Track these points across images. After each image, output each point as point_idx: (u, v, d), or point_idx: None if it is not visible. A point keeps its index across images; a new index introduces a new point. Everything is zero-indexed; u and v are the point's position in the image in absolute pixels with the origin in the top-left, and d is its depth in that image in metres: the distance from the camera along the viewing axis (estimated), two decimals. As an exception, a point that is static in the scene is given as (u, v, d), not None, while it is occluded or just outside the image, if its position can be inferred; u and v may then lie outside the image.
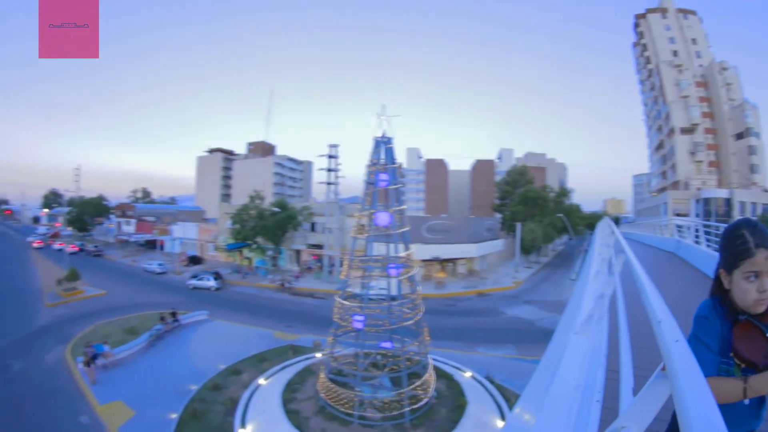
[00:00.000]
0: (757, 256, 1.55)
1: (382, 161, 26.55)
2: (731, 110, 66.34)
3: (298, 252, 58.30)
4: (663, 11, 76.32)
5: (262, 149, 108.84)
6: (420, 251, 38.98)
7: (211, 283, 44.99)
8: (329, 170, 51.24)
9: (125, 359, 23.71)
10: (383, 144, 27.17)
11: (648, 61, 78.01)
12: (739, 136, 64.43)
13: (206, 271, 49.62)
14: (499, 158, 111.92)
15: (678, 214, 55.07)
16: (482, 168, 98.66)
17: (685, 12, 76.44)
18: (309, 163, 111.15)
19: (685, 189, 64.79)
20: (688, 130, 67.81)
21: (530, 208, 60.75)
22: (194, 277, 46.89)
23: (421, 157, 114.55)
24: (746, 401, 1.46)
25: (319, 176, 53.73)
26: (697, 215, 56.74)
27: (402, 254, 20.69)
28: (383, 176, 26.15)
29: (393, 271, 20.34)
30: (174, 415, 17.42)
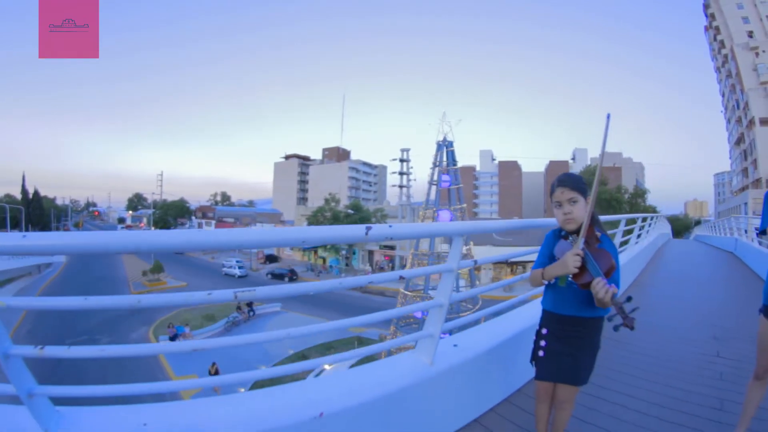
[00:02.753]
0: (555, 192, 2.35)
1: (444, 163, 27.22)
2: None
3: (371, 252, 59.71)
4: None
5: (337, 154, 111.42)
6: (490, 253, 39.05)
7: (236, 270, 50.98)
8: (401, 174, 52.17)
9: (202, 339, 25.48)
10: (444, 147, 27.87)
11: (722, 45, 68.02)
12: None
13: (282, 268, 52.76)
14: (573, 159, 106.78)
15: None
16: (556, 169, 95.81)
17: None
18: (383, 167, 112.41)
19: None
20: None
21: (604, 209, 59.01)
22: (238, 267, 52.11)
23: (494, 159, 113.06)
24: (571, 289, 2.29)
25: (392, 179, 54.79)
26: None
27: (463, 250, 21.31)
28: (445, 177, 26.72)
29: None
30: (242, 389, 18.91)
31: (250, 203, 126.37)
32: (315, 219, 55.47)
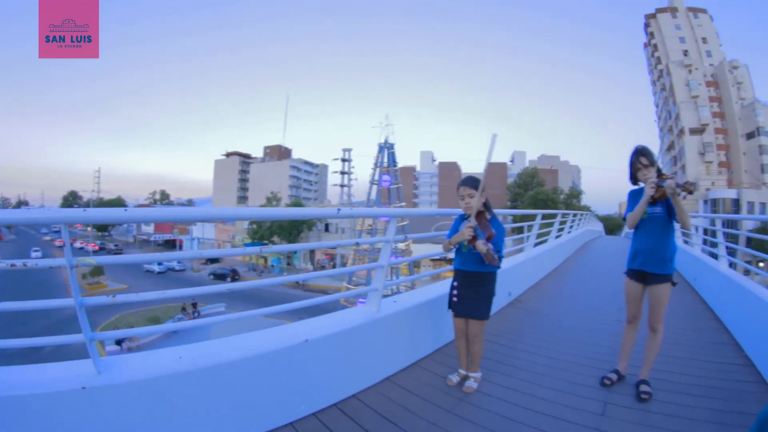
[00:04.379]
0: (459, 189, 3.47)
1: (385, 164, 28.22)
2: (742, 109, 64.26)
3: (312, 251, 59.89)
4: (673, 11, 73.99)
5: (279, 153, 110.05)
6: (430, 250, 40.38)
7: (155, 267, 53.04)
8: (343, 173, 52.84)
9: (148, 344, 25.45)
10: (386, 149, 28.90)
11: (659, 61, 75.81)
12: (750, 135, 62.01)
13: (224, 268, 52.45)
14: (512, 161, 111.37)
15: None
16: (495, 170, 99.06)
17: (695, 11, 73.98)
18: (324, 166, 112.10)
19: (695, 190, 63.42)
20: (698, 131, 65.71)
21: (540, 208, 61.33)
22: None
23: (434, 161, 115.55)
24: (465, 251, 3.47)
25: (333, 179, 55.25)
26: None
27: (401, 246, 22.21)
28: (386, 177, 27.70)
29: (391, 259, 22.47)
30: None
31: (189, 202, 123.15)
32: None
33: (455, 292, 3.54)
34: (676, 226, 3.72)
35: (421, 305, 4.15)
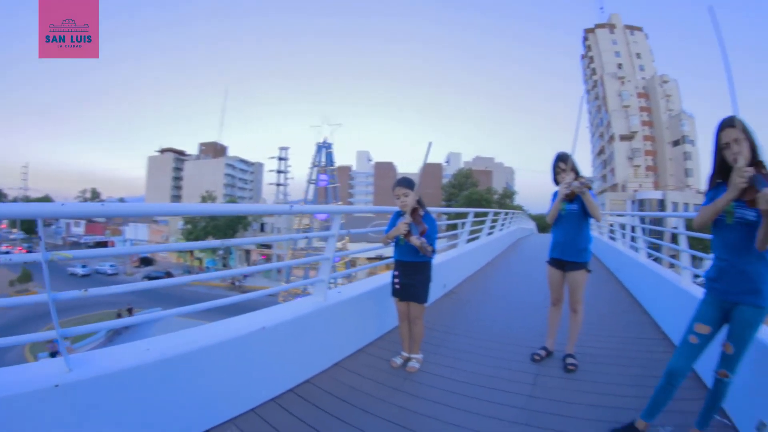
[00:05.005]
0: (395, 189, 3.84)
1: (323, 163, 28.34)
2: (669, 119, 70.51)
3: (247, 251, 59.15)
4: (611, 27, 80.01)
5: (214, 150, 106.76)
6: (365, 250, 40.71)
7: (79, 270, 50.79)
8: (279, 172, 52.29)
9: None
10: (324, 148, 29.02)
11: (594, 72, 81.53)
12: (676, 143, 68.34)
13: (158, 271, 50.71)
14: (447, 162, 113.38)
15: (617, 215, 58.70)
16: (430, 171, 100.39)
17: (632, 28, 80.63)
18: (260, 165, 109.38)
19: (623, 191, 68.79)
20: (628, 137, 71.84)
21: (474, 208, 62.61)
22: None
23: (370, 160, 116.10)
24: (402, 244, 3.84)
25: (269, 178, 54.57)
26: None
27: (338, 245, 22.51)
28: (323, 177, 27.82)
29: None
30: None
31: (121, 201, 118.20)
32: (191, 218, 54.11)
33: (397, 280, 3.97)
34: (595, 221, 4.25)
35: (364, 295, 4.50)
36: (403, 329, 4.05)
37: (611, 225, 12.14)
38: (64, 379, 2.21)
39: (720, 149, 2.51)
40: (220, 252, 57.00)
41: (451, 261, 7.79)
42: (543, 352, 4.25)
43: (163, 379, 2.59)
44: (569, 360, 4.01)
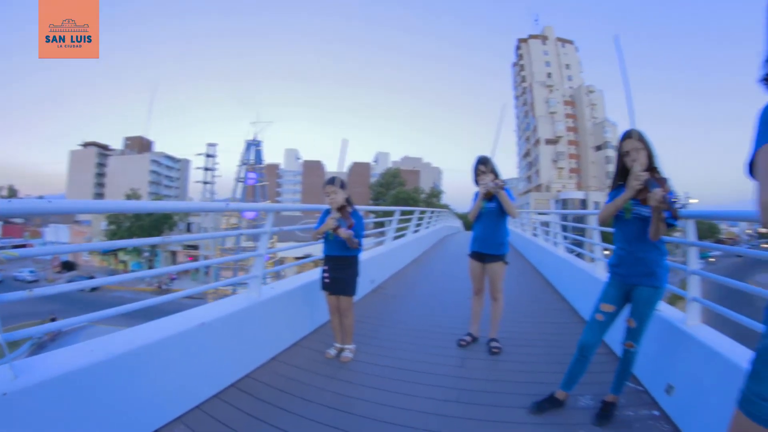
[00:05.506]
0: (325, 187, 4.05)
1: (252, 161, 27.89)
2: (593, 126, 76.08)
3: (174, 253, 57.30)
4: (544, 38, 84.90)
5: (140, 144, 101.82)
6: (294, 250, 40.66)
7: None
8: (206, 169, 51.07)
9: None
10: (253, 146, 28.56)
11: (524, 80, 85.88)
12: (599, 147, 73.37)
13: (81, 276, 48.21)
14: (376, 161, 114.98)
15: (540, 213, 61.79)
16: (359, 170, 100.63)
17: (563, 41, 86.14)
18: (186, 161, 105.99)
19: (547, 191, 73.61)
20: (553, 141, 77.05)
21: (401, 207, 63.03)
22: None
23: (299, 159, 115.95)
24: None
25: (196, 175, 53.11)
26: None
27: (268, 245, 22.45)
28: (251, 175, 27.37)
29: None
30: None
31: (41, 199, 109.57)
32: (114, 217, 52.02)
33: (327, 274, 4.19)
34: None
35: (296, 290, 4.69)
36: (334, 322, 4.26)
37: (534, 223, 12.92)
38: (11, 386, 2.12)
39: (621, 156, 2.94)
40: (146, 254, 55.15)
41: (379, 257, 8.12)
42: (468, 338, 4.67)
43: (110, 379, 2.58)
44: (493, 344, 4.44)
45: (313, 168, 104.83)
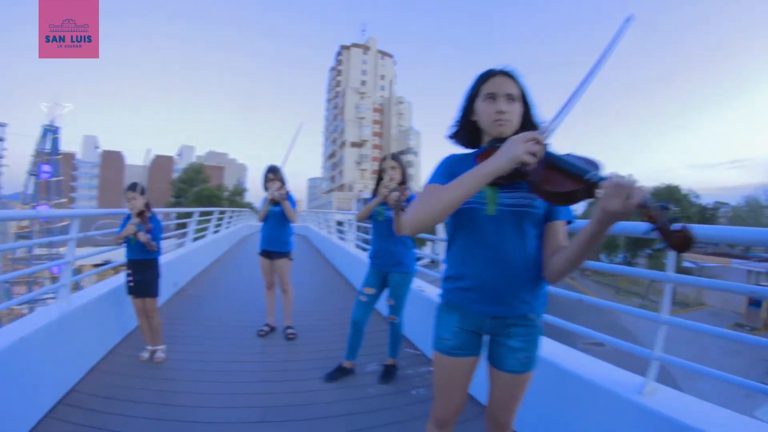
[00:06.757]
0: (126, 194, 4.27)
1: (47, 152, 23.79)
2: (399, 133, 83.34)
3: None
4: (366, 48, 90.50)
5: None
6: (92, 255, 37.02)
7: None
8: (-11, 158, 44.40)
9: None
10: (50, 133, 24.12)
11: (338, 84, 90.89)
12: (402, 152, 78.97)
13: None
14: (180, 155, 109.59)
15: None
16: (161, 164, 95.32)
17: (384, 54, 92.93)
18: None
19: (350, 191, 78.96)
20: (358, 144, 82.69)
21: (204, 204, 60.30)
22: None
23: (98, 147, 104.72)
24: None
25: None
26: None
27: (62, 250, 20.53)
28: (46, 167, 23.29)
29: (57, 269, 20.22)
30: None
31: None
32: None
33: (130, 278, 4.39)
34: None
35: (104, 296, 4.68)
36: (142, 324, 4.48)
37: (330, 222, 14.51)
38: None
39: (382, 171, 3.81)
40: None
41: (179, 259, 8.35)
42: (267, 328, 5.43)
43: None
44: (289, 330, 5.30)
45: (112, 159, 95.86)
